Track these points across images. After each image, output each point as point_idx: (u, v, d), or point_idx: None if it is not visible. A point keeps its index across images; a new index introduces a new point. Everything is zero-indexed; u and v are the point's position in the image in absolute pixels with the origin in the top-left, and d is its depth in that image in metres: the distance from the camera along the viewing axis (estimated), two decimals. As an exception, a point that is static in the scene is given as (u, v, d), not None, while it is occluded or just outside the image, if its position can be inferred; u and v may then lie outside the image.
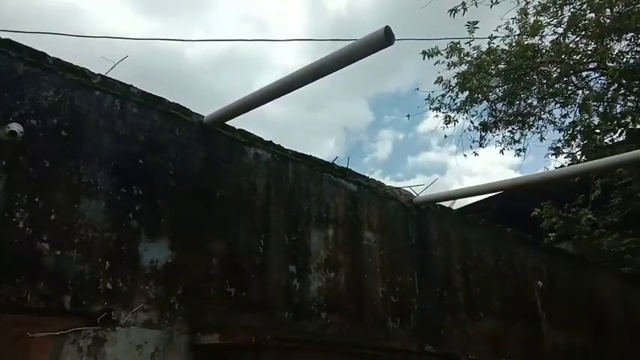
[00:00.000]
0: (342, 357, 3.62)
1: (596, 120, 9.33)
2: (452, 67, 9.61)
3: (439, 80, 9.84)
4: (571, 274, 7.33)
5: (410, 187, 5.46)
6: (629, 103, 8.68)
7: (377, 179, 5.19)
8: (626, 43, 9.36)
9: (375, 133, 42.02)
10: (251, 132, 4.17)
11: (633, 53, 9.19)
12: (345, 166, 4.84)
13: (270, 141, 4.25)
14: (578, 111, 9.93)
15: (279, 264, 3.89)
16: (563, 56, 9.31)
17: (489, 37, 9.61)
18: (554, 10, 9.36)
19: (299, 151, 4.44)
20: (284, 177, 4.19)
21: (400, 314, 4.65)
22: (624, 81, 8.83)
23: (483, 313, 5.52)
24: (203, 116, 3.82)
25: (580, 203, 7.81)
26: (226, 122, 3.95)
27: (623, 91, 9.05)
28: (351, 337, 4.06)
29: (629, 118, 8.15)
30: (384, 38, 2.58)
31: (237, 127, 4.06)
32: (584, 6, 9.18)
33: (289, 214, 4.11)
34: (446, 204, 5.84)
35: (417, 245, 5.18)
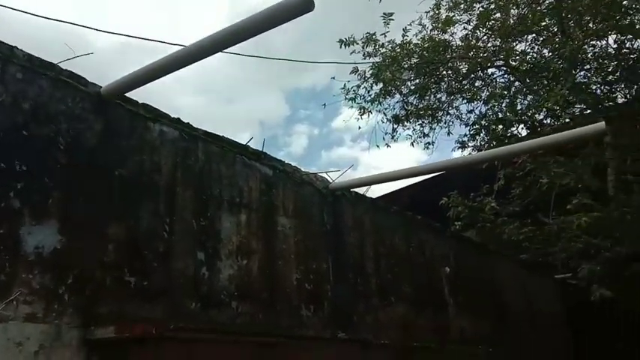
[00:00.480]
0: (252, 347, 3.42)
1: (500, 115, 9.79)
2: (367, 58, 9.66)
3: (355, 70, 9.85)
4: (476, 262, 7.64)
5: (326, 172, 5.37)
6: (528, 97, 9.19)
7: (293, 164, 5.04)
8: (528, 43, 9.92)
9: (290, 127, 41.88)
10: (157, 107, 3.84)
11: (534, 53, 9.74)
12: (261, 149, 4.63)
13: (178, 118, 3.94)
14: (483, 106, 10.37)
15: (186, 250, 3.60)
16: (471, 53, 9.66)
17: (403, 30, 9.75)
18: (465, 6, 9.67)
19: (211, 131, 4.17)
20: (193, 157, 3.90)
21: (314, 301, 4.53)
22: (527, 79, 9.34)
23: (395, 299, 5.56)
24: (101, 87, 3.44)
25: (485, 193, 8.14)
26: (130, 98, 3.62)
27: (525, 89, 9.58)
28: (263, 326, 3.88)
29: (531, 112, 8.64)
30: (303, 3, 2.40)
31: (140, 102, 3.72)
32: (492, 5, 9.59)
33: (198, 198, 3.83)
34: (361, 191, 5.81)
35: (332, 231, 5.10)
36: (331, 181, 5.34)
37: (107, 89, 3.43)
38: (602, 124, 3.76)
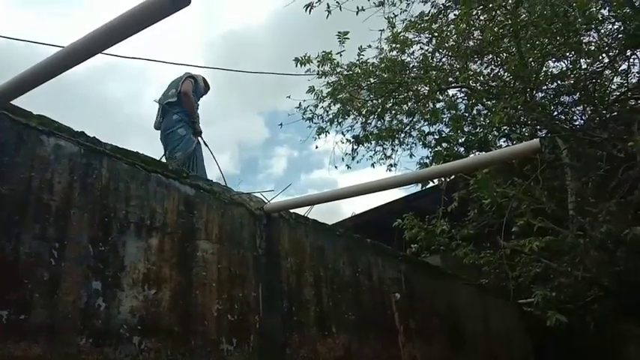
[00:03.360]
0: (149, 389, 3.03)
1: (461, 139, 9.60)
2: (322, 77, 9.42)
3: (311, 90, 9.61)
4: (430, 286, 7.33)
5: (261, 192, 5.04)
6: (481, 119, 9.06)
7: (222, 184, 4.70)
8: (485, 65, 9.81)
9: (270, 149, 41.55)
10: (57, 120, 3.47)
11: (491, 75, 9.62)
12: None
13: (82, 132, 3.57)
14: (444, 128, 10.19)
15: (78, 280, 3.19)
16: (430, 74, 9.48)
17: (359, 49, 9.54)
18: (422, 27, 9.50)
19: (121, 146, 3.81)
20: (94, 175, 3.51)
21: (238, 334, 4.13)
22: (486, 101, 9.21)
23: (336, 328, 5.19)
24: (-18, 95, 3.07)
25: (440, 215, 7.88)
26: (22, 109, 3.27)
27: (485, 111, 9.45)
28: (169, 364, 3.47)
29: (482, 132, 8.52)
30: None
31: (36, 113, 3.35)
32: (450, 27, 9.47)
33: (98, 220, 3.44)
34: (302, 212, 5.49)
35: (265, 256, 4.73)
36: (267, 201, 5.01)
37: (-10, 98, 3.07)
38: (536, 142, 3.54)
